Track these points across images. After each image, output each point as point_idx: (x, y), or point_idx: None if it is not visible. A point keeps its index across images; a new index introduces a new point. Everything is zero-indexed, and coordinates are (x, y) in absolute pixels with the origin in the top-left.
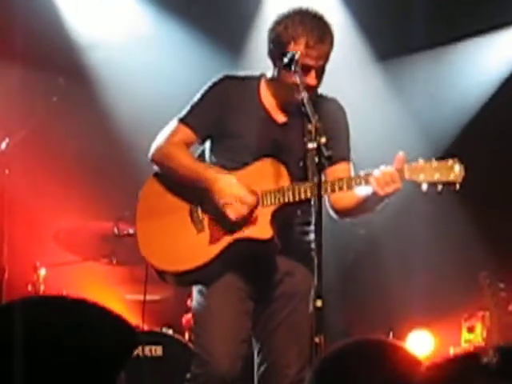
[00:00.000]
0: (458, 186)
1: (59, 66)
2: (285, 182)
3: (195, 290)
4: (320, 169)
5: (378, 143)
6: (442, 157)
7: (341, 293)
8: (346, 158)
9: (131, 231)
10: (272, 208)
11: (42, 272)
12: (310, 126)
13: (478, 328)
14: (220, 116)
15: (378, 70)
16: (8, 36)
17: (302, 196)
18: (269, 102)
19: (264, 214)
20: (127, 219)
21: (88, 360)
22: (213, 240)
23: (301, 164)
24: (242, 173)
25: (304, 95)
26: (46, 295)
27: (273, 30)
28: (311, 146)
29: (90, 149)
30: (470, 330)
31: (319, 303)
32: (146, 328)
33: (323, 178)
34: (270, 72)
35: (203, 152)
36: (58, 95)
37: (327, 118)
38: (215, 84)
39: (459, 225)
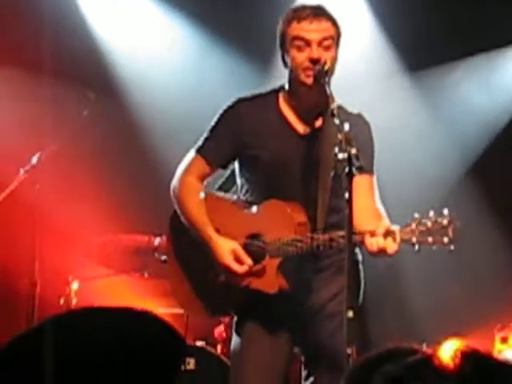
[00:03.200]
0: (452, 248)
1: (89, 79)
2: (291, 229)
3: (233, 326)
4: (351, 179)
5: (409, 153)
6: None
7: (374, 304)
8: (369, 171)
9: (163, 258)
10: (277, 261)
11: (75, 286)
12: (340, 136)
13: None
14: (238, 141)
15: (409, 82)
16: (37, 49)
17: (308, 250)
18: (289, 114)
19: (271, 266)
20: (162, 240)
21: (136, 373)
22: (226, 289)
23: (332, 174)
24: (250, 217)
25: (333, 106)
26: (80, 308)
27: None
28: (341, 156)
29: (121, 163)
30: (504, 340)
31: (350, 314)
32: None
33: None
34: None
35: (233, 173)
36: (89, 109)
37: (353, 132)
38: (227, 110)
39: (492, 236)
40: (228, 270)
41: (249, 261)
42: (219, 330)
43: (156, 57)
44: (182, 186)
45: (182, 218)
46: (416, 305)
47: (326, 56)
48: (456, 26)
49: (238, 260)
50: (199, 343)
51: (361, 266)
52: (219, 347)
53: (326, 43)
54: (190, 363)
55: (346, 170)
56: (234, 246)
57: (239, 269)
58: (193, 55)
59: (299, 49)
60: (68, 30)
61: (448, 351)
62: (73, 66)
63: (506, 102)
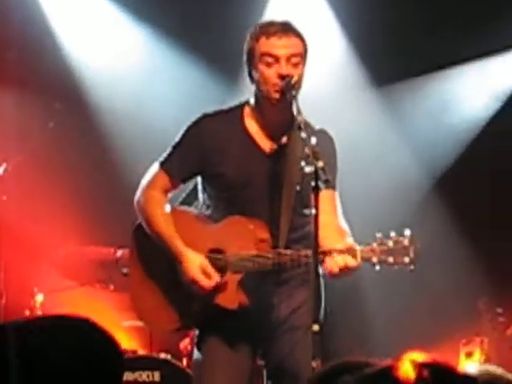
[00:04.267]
0: (412, 268)
1: (56, 92)
2: (252, 245)
3: (195, 340)
4: (317, 193)
5: (373, 168)
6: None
7: (340, 318)
8: (332, 187)
9: (125, 271)
10: (238, 277)
11: (40, 298)
12: (307, 150)
13: (477, 353)
14: (202, 157)
15: (375, 96)
16: (4, 61)
17: (269, 267)
18: (254, 130)
19: (232, 282)
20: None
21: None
22: (187, 303)
23: (298, 188)
24: (212, 232)
25: (300, 119)
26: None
27: (244, 49)
28: (308, 169)
29: (88, 174)
30: (469, 355)
31: (316, 327)
32: (143, 353)
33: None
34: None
35: (195, 187)
36: (55, 120)
37: (318, 148)
38: (191, 127)
39: (457, 250)
40: (195, 283)
41: (216, 276)
42: (184, 343)
43: (122, 68)
44: (148, 200)
45: (149, 231)
46: (383, 320)
47: (294, 72)
48: (418, 43)
49: (206, 274)
50: (164, 356)
51: (322, 280)
52: (185, 360)
53: (294, 60)
54: (155, 376)
55: (313, 183)
56: (203, 260)
57: (207, 283)
58: (160, 67)
59: (268, 65)
60: (35, 42)
61: (408, 363)
62: (39, 78)
63: (471, 119)
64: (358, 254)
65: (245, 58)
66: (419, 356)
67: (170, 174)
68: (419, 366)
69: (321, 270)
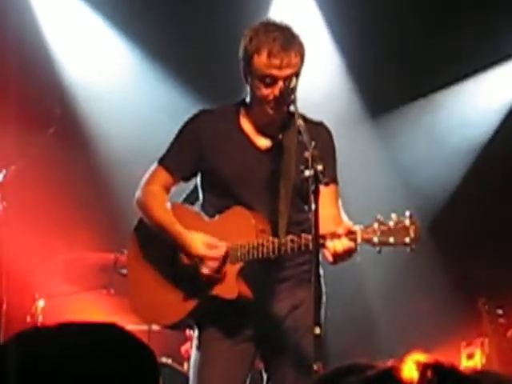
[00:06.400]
0: (413, 247)
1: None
2: (252, 235)
3: (194, 341)
4: (317, 196)
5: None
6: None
7: (343, 320)
8: (333, 181)
9: (124, 271)
10: (238, 266)
11: (41, 303)
12: (306, 154)
13: (478, 355)
14: (199, 153)
15: (370, 126)
16: (2, 74)
17: (270, 254)
18: (249, 129)
19: (231, 272)
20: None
21: None
22: (186, 297)
23: (296, 184)
24: (212, 225)
25: (300, 122)
26: (44, 326)
27: (241, 45)
28: (308, 173)
29: (90, 180)
30: (470, 356)
31: (317, 330)
32: None
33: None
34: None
35: (196, 188)
36: (55, 126)
37: (314, 141)
38: (190, 121)
39: (458, 251)
40: (203, 259)
41: (223, 245)
42: (185, 348)
43: (112, 85)
44: (147, 195)
45: (149, 223)
46: (385, 322)
47: (289, 86)
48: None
49: (212, 247)
50: (165, 360)
51: (322, 281)
52: (185, 364)
53: (291, 78)
54: None
55: (313, 187)
56: (204, 236)
57: (216, 253)
58: (147, 88)
59: (265, 84)
60: (32, 58)
61: (411, 363)
62: (35, 92)
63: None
64: (359, 235)
65: (241, 56)
66: (422, 357)
67: (168, 169)
68: (422, 367)
69: (321, 271)
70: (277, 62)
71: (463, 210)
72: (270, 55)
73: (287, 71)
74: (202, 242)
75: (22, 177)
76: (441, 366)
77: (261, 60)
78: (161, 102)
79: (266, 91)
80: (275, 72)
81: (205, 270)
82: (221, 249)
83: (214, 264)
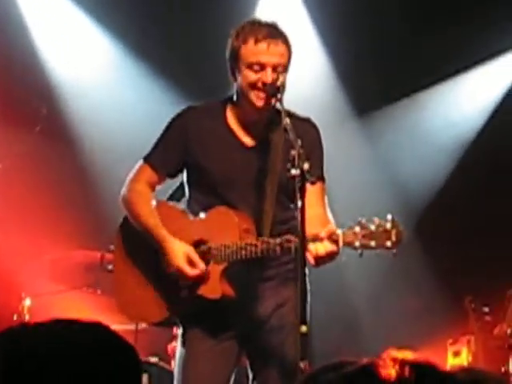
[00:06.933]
0: (394, 251)
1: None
2: (236, 234)
3: (178, 338)
4: (303, 194)
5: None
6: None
7: (328, 319)
8: (318, 179)
9: (110, 267)
10: (222, 266)
11: (27, 302)
12: (293, 152)
13: (464, 352)
14: (185, 150)
15: (355, 124)
16: None
17: (252, 255)
18: (235, 126)
19: (215, 272)
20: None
21: None
22: (170, 296)
23: (282, 181)
24: (196, 224)
25: (286, 121)
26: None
27: (227, 45)
28: (294, 172)
29: (75, 179)
30: (456, 354)
31: (304, 329)
32: None
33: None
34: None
35: (182, 184)
36: (41, 125)
37: (301, 138)
38: (176, 118)
39: (444, 249)
40: (179, 272)
41: (201, 265)
42: (172, 346)
43: (98, 83)
44: (132, 193)
45: (133, 222)
46: (372, 320)
47: (278, 79)
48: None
49: (191, 263)
50: (152, 359)
51: (307, 280)
52: (173, 363)
53: (279, 69)
54: (143, 378)
55: (299, 185)
56: (188, 248)
57: (191, 272)
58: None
59: (254, 71)
60: (18, 57)
61: (388, 360)
62: (22, 89)
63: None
64: (340, 238)
65: (228, 55)
66: (400, 353)
67: (153, 166)
68: (400, 363)
69: (307, 270)
70: (264, 45)
71: (449, 207)
72: (256, 41)
73: (274, 58)
74: (184, 253)
75: (7, 175)
76: (419, 363)
77: (248, 48)
78: (147, 99)
79: (254, 77)
80: (263, 58)
81: (179, 278)
82: (198, 268)
83: (187, 280)
